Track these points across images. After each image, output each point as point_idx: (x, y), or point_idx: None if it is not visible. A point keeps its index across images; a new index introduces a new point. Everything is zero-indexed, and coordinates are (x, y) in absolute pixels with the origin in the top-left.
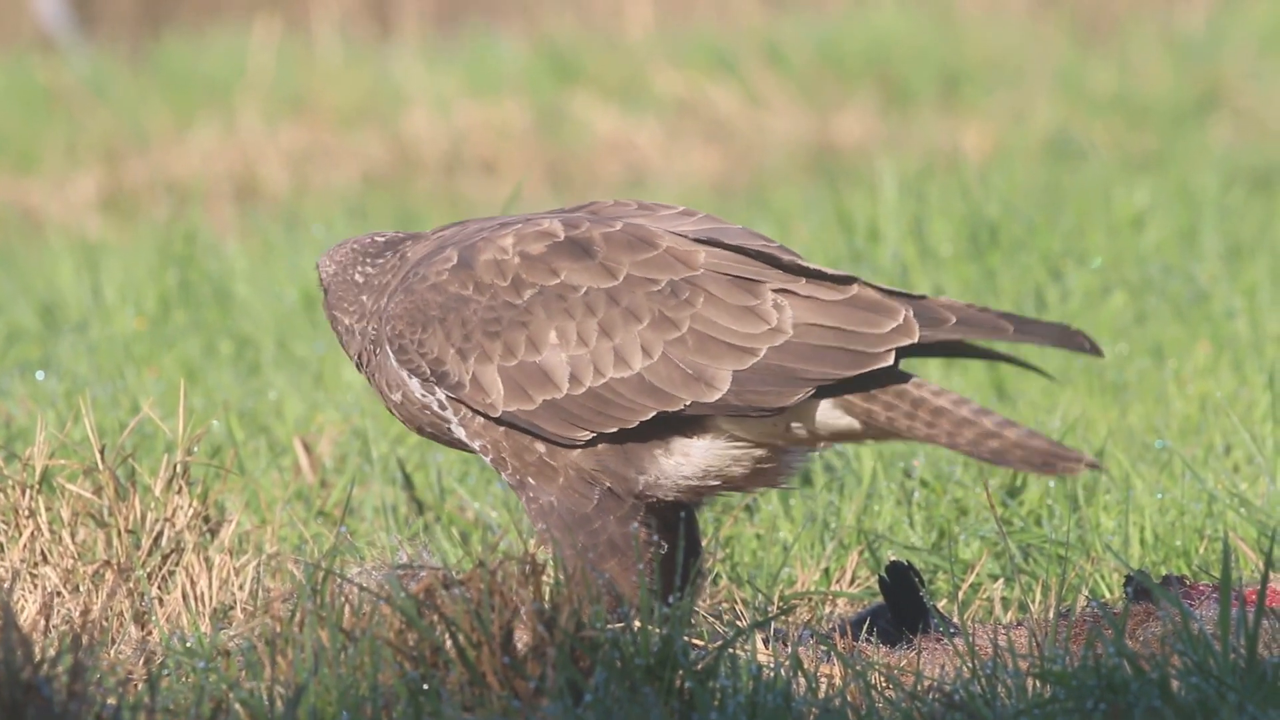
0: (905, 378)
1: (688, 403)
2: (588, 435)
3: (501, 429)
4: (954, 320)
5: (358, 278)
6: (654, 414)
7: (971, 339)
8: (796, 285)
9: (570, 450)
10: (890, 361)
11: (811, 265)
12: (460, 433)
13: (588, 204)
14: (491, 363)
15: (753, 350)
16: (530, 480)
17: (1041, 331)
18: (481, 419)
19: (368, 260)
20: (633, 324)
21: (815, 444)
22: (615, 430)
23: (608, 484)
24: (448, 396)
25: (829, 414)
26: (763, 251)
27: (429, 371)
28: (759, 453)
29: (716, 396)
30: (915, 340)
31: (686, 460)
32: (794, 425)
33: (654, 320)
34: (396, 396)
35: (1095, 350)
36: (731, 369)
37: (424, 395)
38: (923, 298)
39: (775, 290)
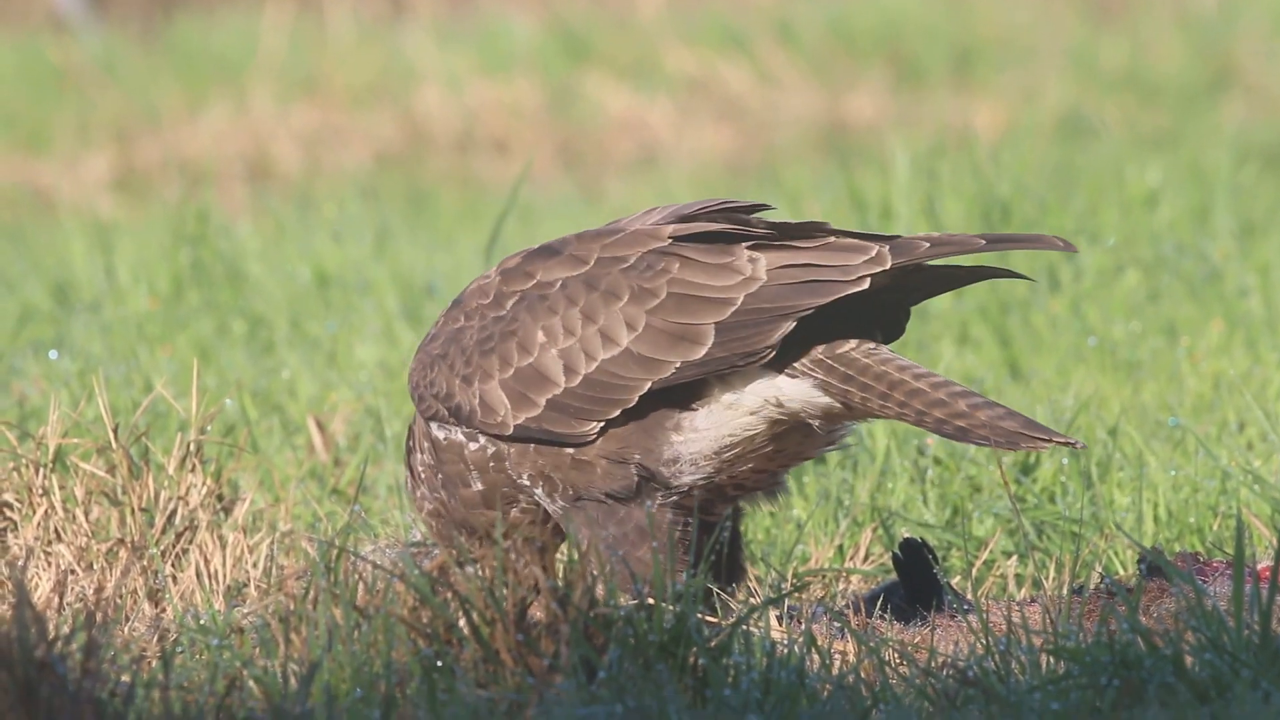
0: (888, 359)
1: (677, 365)
2: (595, 425)
3: (532, 446)
4: (927, 245)
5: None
6: (648, 385)
7: (946, 258)
8: (770, 243)
9: (591, 444)
10: (865, 286)
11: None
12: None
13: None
14: (493, 379)
15: (730, 300)
16: (576, 482)
17: (1013, 239)
18: (514, 448)
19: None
20: (613, 303)
21: (808, 423)
22: (619, 414)
23: (638, 456)
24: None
25: (810, 394)
26: (731, 227)
27: (445, 411)
28: (765, 415)
29: (702, 352)
30: (888, 266)
31: (696, 435)
32: (785, 401)
33: (633, 294)
34: (476, 487)
35: (1069, 246)
36: (713, 321)
37: (444, 436)
38: (896, 237)
39: (749, 247)
